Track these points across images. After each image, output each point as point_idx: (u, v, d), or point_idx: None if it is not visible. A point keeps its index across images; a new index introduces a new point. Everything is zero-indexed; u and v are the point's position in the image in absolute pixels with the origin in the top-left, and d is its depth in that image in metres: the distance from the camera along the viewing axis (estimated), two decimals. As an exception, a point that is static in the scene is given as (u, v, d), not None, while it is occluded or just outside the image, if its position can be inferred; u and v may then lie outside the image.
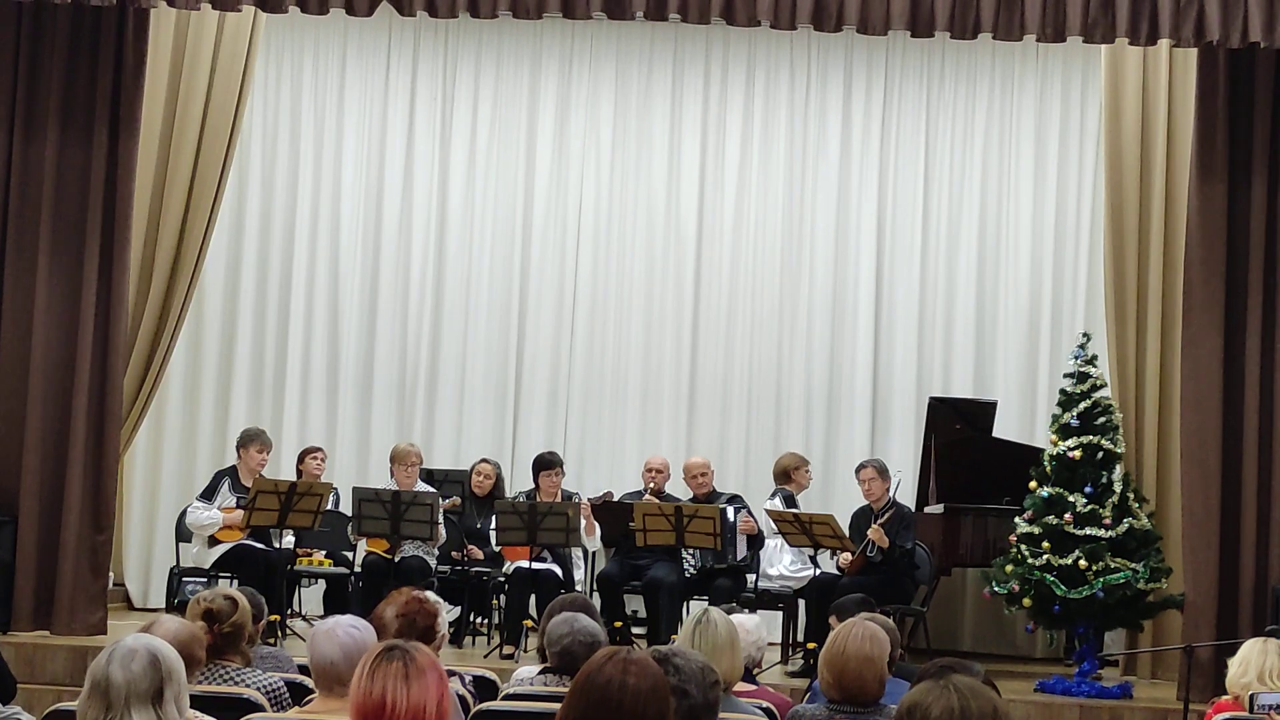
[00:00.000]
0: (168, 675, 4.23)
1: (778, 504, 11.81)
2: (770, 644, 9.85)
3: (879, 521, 11.40)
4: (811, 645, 10.90)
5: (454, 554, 11.94)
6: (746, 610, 10.13)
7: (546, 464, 12.06)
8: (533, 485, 12.10)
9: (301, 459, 12.41)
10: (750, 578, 11.80)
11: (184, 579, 11.71)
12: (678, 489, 12.44)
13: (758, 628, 7.26)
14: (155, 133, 11.83)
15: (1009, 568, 10.81)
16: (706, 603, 9.57)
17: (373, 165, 14.09)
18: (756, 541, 11.83)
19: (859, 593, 10.81)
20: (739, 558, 11.69)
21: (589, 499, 12.07)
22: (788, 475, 12.18)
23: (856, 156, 13.92)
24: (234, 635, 6.25)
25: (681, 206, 14.01)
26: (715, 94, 14.02)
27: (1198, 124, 11.07)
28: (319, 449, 12.55)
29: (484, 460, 12.73)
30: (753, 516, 11.79)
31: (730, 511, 11.59)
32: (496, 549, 11.82)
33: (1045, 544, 10.65)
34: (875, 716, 5.82)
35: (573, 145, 14.05)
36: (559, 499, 11.87)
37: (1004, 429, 12.82)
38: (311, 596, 12.72)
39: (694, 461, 12.22)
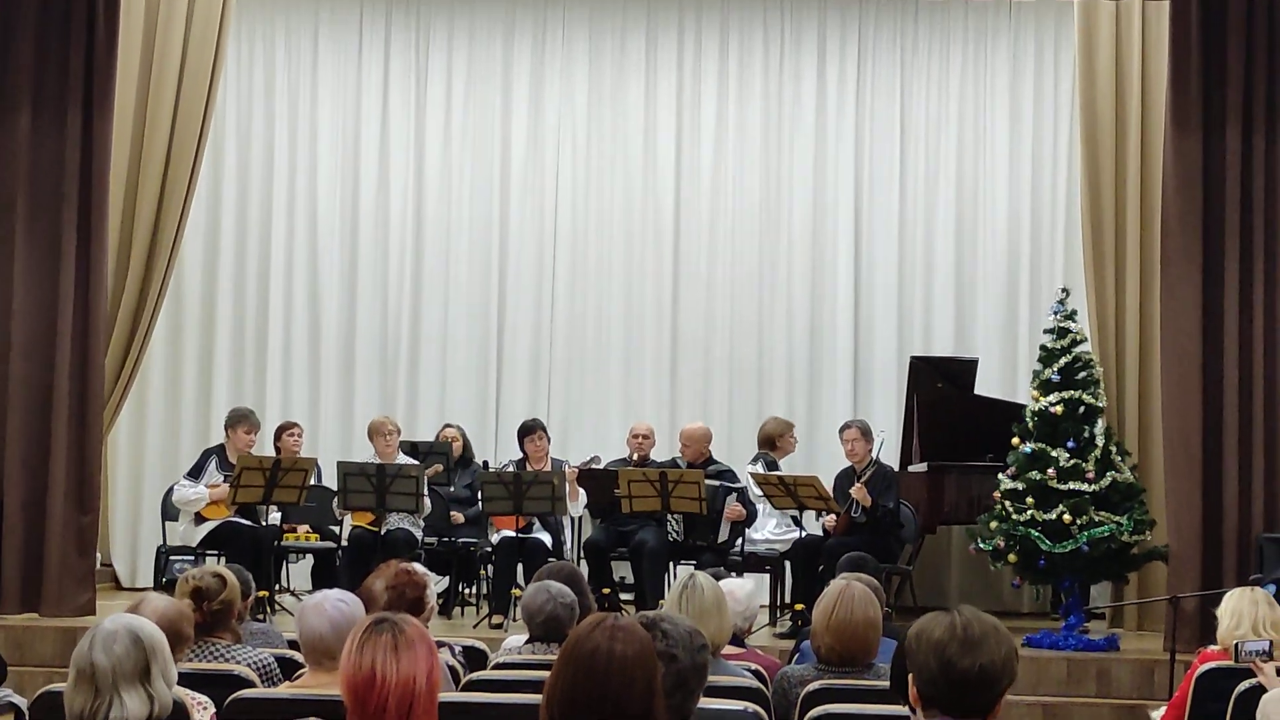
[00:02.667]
0: (151, 652, 4.23)
1: (760, 469, 11.82)
2: (760, 607, 9.89)
3: (861, 480, 11.43)
4: (799, 606, 10.93)
5: (440, 522, 11.95)
6: (734, 574, 10.17)
7: (528, 430, 12.09)
8: (520, 454, 12.12)
9: (279, 435, 12.39)
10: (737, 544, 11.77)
11: (171, 557, 11.72)
12: (663, 454, 12.45)
13: (749, 595, 7.25)
14: (129, 110, 11.79)
15: (993, 524, 10.83)
16: (694, 567, 9.60)
17: (348, 138, 14.07)
18: (744, 523, 11.76)
19: (846, 552, 10.89)
20: (720, 540, 11.66)
21: (577, 465, 12.07)
22: (772, 442, 12.17)
23: (832, 118, 13.92)
24: (223, 613, 6.25)
25: (659, 172, 14.01)
26: (690, 58, 14.02)
27: (1171, 75, 11.08)
28: (295, 424, 12.53)
29: (446, 425, 12.82)
30: (742, 501, 11.69)
31: (722, 494, 11.57)
32: (482, 511, 11.80)
33: (1029, 499, 10.67)
34: (865, 674, 5.87)
35: (548, 114, 14.03)
36: (548, 465, 11.88)
37: (985, 386, 12.84)
38: (299, 572, 12.72)
39: (688, 430, 12.17)
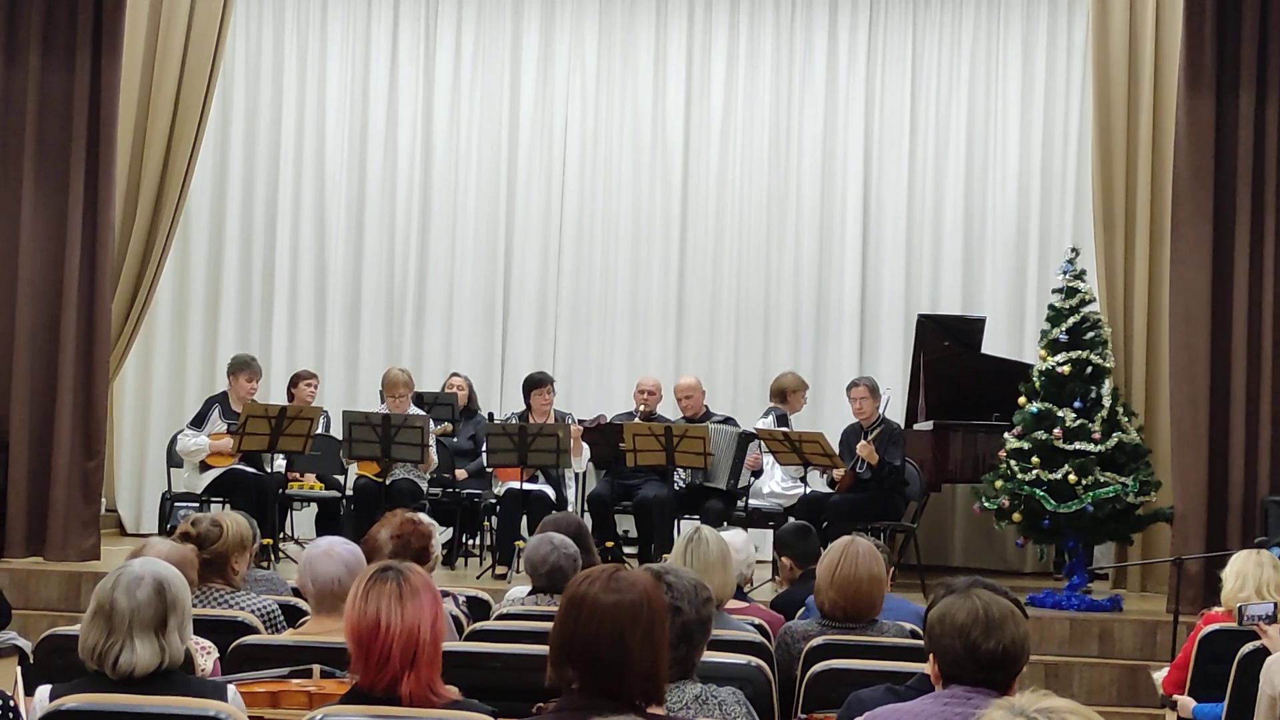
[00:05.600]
0: (172, 604, 4.23)
1: (770, 423, 11.82)
2: (762, 562, 9.91)
3: (868, 438, 11.42)
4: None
5: (446, 475, 11.97)
6: (734, 527, 10.18)
7: (536, 383, 12.07)
8: (525, 406, 12.10)
9: (294, 383, 12.41)
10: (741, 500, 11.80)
11: (176, 504, 11.73)
12: (669, 410, 12.44)
13: (746, 544, 7.29)
14: (138, 56, 11.74)
15: (999, 483, 10.82)
16: (698, 520, 9.60)
17: (357, 87, 14.02)
18: (757, 473, 11.85)
19: (850, 509, 10.90)
20: (739, 484, 11.71)
21: (582, 422, 12.06)
22: (784, 396, 12.16)
23: (843, 74, 13.87)
24: (218, 561, 6.19)
25: (668, 126, 13.97)
26: (700, 12, 13.96)
27: (1185, 36, 11.01)
28: (312, 374, 12.55)
29: (454, 374, 12.88)
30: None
31: (744, 441, 11.60)
32: (489, 469, 11.81)
33: (1034, 459, 10.65)
34: (868, 630, 5.86)
35: (558, 66, 13.99)
36: (552, 418, 11.88)
37: (993, 345, 12.81)
38: (303, 520, 12.74)
39: (680, 383, 12.22)
